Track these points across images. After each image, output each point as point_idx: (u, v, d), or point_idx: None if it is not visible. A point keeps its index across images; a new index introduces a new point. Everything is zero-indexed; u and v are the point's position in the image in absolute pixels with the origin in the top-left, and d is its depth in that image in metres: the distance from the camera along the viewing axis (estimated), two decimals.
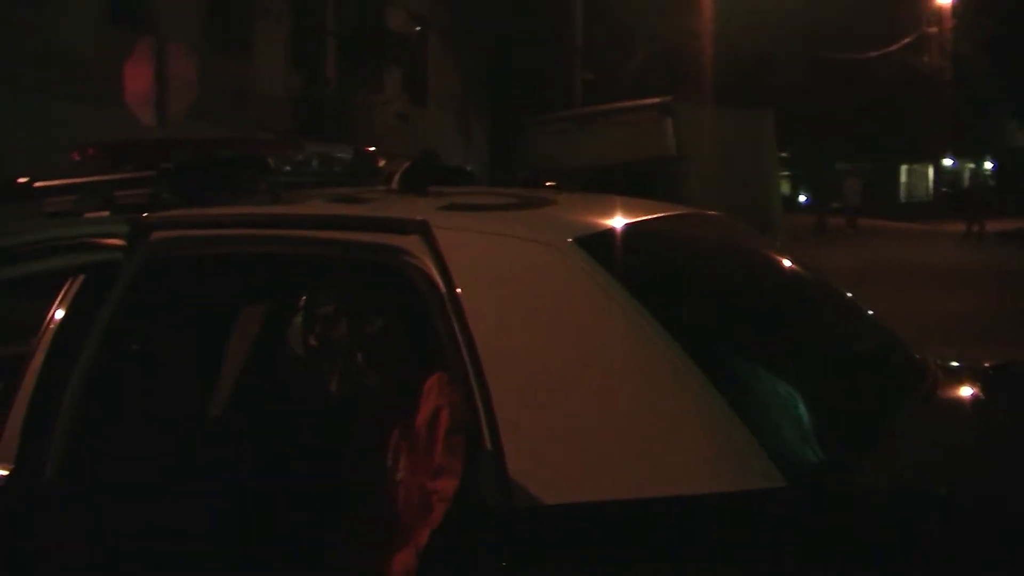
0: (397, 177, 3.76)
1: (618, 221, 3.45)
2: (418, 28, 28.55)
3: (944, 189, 58.63)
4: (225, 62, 20.60)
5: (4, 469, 3.31)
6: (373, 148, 4.84)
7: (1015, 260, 26.36)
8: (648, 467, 2.73)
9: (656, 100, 18.08)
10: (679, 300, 3.24)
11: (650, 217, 3.72)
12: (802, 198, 54.93)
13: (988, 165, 63.78)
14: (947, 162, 60.68)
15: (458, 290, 2.96)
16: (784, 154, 38.16)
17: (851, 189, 42.88)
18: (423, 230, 3.10)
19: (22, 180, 4.11)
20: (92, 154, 4.13)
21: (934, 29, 44.04)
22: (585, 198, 4.01)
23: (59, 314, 3.45)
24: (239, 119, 19.30)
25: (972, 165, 64.68)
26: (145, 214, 3.53)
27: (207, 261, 3.57)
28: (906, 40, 42.18)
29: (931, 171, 61.57)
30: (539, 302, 2.99)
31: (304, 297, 3.48)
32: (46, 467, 3.29)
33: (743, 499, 2.67)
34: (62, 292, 3.49)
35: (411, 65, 27.81)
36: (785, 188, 45.54)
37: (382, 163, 4.69)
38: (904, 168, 60.78)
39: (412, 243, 3.10)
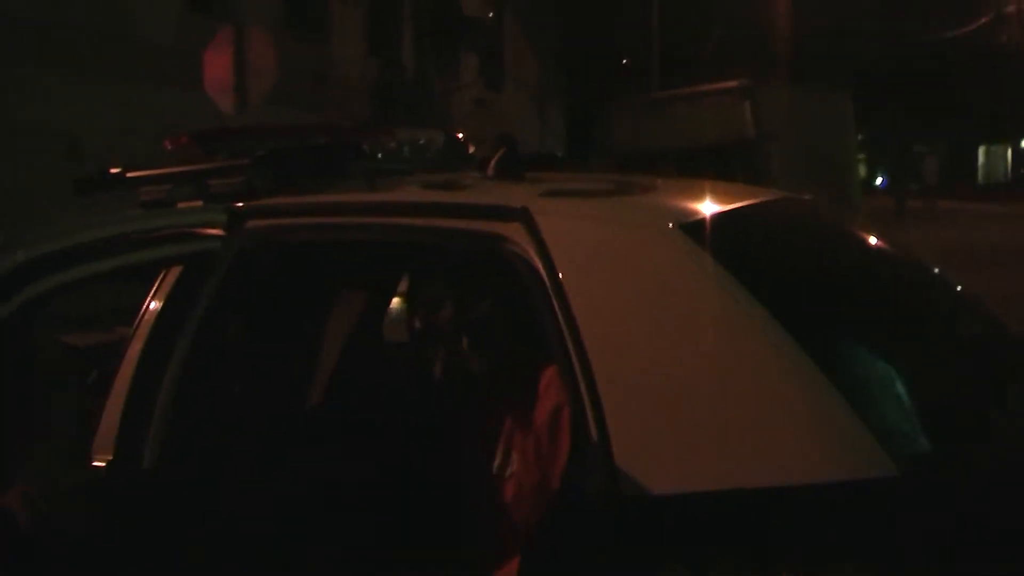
0: (493, 163, 3.71)
1: (720, 207, 3.38)
2: (492, 13, 28.53)
3: (1023, 170, 57.79)
4: (303, 48, 20.69)
5: (104, 459, 3.31)
6: (462, 134, 4.79)
7: None
8: (757, 456, 2.66)
9: (735, 83, 18.04)
10: (784, 286, 3.16)
11: (751, 203, 3.65)
12: (879, 180, 54.38)
13: None
14: None
15: (561, 277, 2.91)
16: (860, 136, 37.85)
17: (929, 170, 42.54)
18: (524, 217, 3.05)
19: (115, 170, 4.10)
20: (185, 142, 4.11)
21: (1012, 8, 43.40)
22: (681, 184, 3.94)
23: (155, 304, 3.44)
24: (317, 105, 19.37)
25: None
26: (240, 203, 3.52)
27: (304, 249, 3.55)
28: (983, 19, 41.66)
29: (1009, 152, 60.66)
30: (644, 289, 2.92)
31: (402, 286, 3.46)
32: (144, 456, 3.29)
33: (855, 489, 2.60)
34: (157, 282, 3.48)
35: (487, 50, 27.80)
36: (862, 170, 45.07)
37: (472, 149, 4.64)
38: (982, 149, 59.98)
39: (513, 230, 3.06)
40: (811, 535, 2.60)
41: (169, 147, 4.12)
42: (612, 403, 2.74)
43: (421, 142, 4.57)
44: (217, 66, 13.48)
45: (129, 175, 3.98)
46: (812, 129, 17.91)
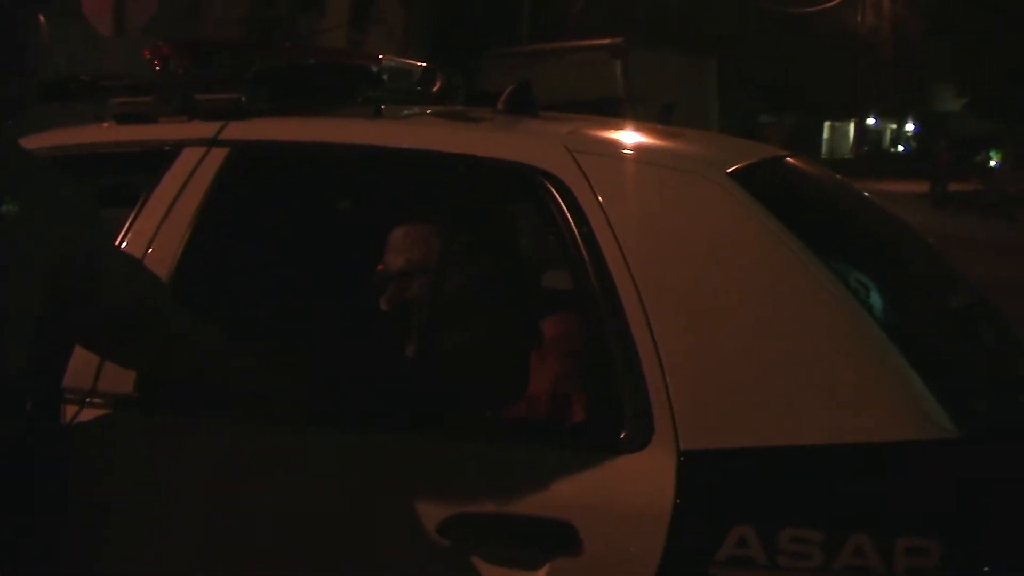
0: (504, 97, 3.56)
1: (753, 156, 3.30)
2: None
3: (866, 148, 58.99)
4: None
5: None
6: (425, 63, 4.60)
7: (982, 229, 25.42)
8: (821, 412, 2.58)
9: (607, 41, 18.03)
10: (832, 237, 3.10)
11: (773, 154, 3.57)
12: None
13: (909, 127, 64.46)
14: (870, 121, 61.06)
15: (610, 218, 2.78)
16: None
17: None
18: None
19: (84, 77, 3.85)
20: (166, 53, 3.85)
21: None
22: (695, 133, 3.85)
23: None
24: (191, 37, 18.87)
25: (894, 126, 65.36)
26: (228, 120, 3.32)
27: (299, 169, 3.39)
28: None
29: (852, 129, 61.88)
30: (700, 237, 2.79)
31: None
32: None
33: (917, 450, 2.53)
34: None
35: None
36: None
37: (438, 85, 4.48)
38: (827, 125, 61.08)
39: (552, 166, 2.92)
40: (868, 494, 2.53)
41: (147, 56, 3.85)
42: (668, 354, 2.64)
43: (409, 70, 4.37)
44: None
45: (103, 84, 3.75)
46: (678, 92, 17.99)
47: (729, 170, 2.96)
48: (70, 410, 3.02)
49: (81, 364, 3.03)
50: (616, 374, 2.68)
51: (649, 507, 2.55)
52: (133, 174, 3.51)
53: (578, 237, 2.80)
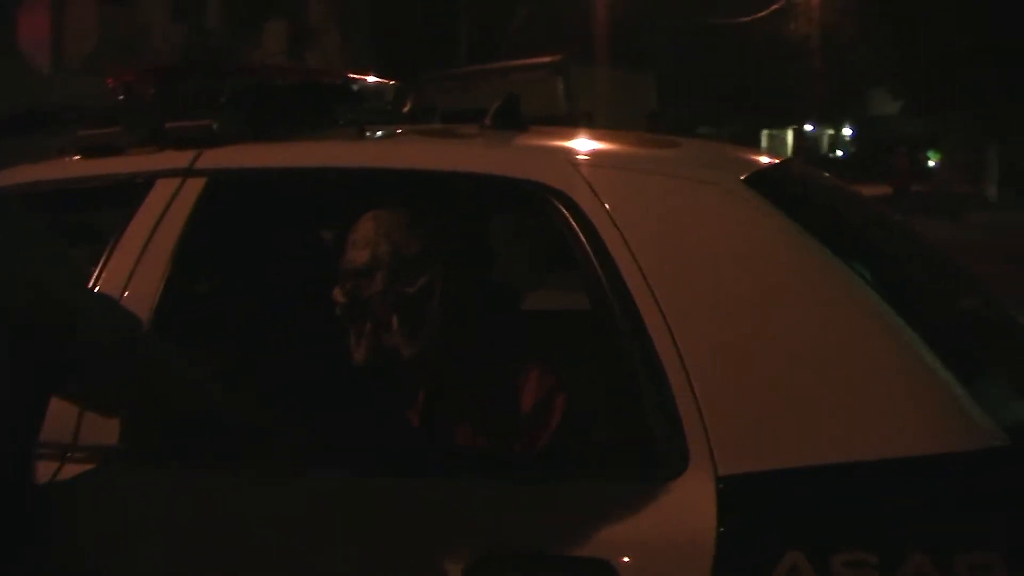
0: (492, 113, 3.41)
1: (759, 163, 3.18)
2: None
3: (803, 155, 59.46)
4: (110, 11, 19.92)
5: None
6: (394, 82, 4.45)
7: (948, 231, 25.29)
8: (861, 427, 2.43)
9: (547, 59, 17.95)
10: (852, 241, 2.98)
11: (783, 159, 3.46)
12: None
13: (847, 131, 65.03)
14: (807, 128, 61.51)
15: (624, 234, 2.63)
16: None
17: None
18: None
19: (45, 109, 3.69)
20: (132, 80, 3.66)
21: None
22: (692, 142, 3.71)
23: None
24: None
25: (831, 131, 65.88)
26: (202, 148, 3.16)
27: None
28: (774, 7, 42.59)
29: (790, 136, 62.30)
30: (721, 248, 2.64)
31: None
32: None
33: (970, 460, 2.38)
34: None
35: (293, 18, 27.32)
36: None
37: (407, 107, 4.34)
38: (764, 133, 61.41)
39: (556, 179, 2.78)
40: (919, 508, 2.38)
41: (111, 84, 3.66)
42: (699, 372, 2.49)
43: (380, 90, 4.23)
44: (34, 23, 12.82)
45: (65, 116, 3.57)
46: (619, 107, 18.11)
47: (743, 176, 2.82)
48: (50, 466, 2.82)
49: (60, 416, 2.83)
50: (643, 398, 2.53)
51: (690, 538, 2.38)
52: (103, 210, 3.33)
53: (591, 255, 2.65)
